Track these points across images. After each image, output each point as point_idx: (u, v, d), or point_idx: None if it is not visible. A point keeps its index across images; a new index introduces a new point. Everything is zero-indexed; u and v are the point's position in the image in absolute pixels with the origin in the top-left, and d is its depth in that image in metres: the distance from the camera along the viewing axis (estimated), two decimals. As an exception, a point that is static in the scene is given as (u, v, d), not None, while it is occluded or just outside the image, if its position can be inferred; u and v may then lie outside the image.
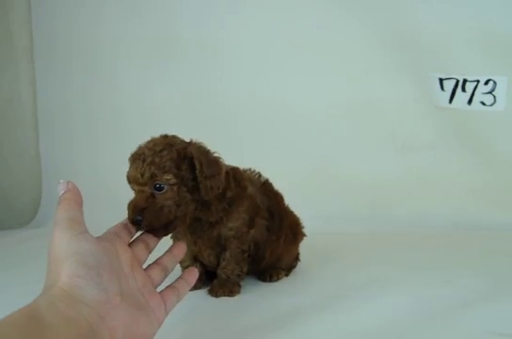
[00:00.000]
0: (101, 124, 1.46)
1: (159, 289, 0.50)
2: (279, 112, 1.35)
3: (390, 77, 1.29)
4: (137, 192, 0.57)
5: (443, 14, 1.22)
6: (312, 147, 1.33)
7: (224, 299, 0.70)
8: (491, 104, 1.24)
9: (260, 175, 0.78)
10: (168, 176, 0.57)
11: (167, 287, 0.51)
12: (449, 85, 1.26)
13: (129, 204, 0.56)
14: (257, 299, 0.70)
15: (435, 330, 0.57)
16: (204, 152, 0.62)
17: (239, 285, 0.73)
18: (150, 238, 0.54)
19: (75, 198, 0.46)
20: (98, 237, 0.47)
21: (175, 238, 0.69)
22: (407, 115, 1.30)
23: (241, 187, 0.69)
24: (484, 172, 1.25)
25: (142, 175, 0.56)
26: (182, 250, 0.55)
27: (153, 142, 0.60)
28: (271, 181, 0.80)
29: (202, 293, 0.73)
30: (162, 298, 0.49)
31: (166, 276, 0.52)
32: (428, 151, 1.29)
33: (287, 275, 0.82)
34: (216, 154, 0.64)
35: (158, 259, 0.53)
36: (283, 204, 0.81)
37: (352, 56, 1.31)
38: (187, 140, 0.64)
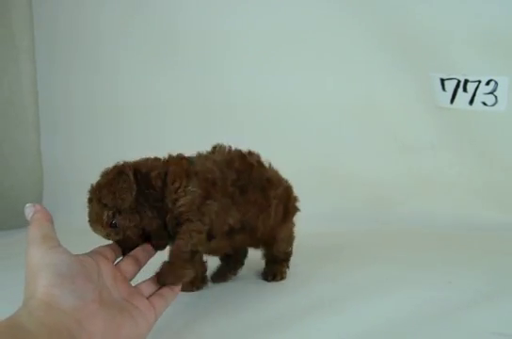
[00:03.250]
0: (102, 124, 1.46)
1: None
2: (280, 111, 1.35)
3: (391, 77, 1.29)
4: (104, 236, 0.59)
5: (444, 14, 1.22)
6: (313, 147, 1.33)
7: (222, 298, 0.70)
8: (493, 105, 1.23)
9: (230, 149, 0.71)
10: (109, 212, 0.57)
11: (154, 294, 0.54)
12: (450, 85, 1.26)
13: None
14: (256, 299, 0.70)
15: (435, 331, 0.57)
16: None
17: (192, 267, 0.58)
18: (139, 254, 0.58)
19: (45, 217, 0.49)
20: (78, 254, 0.49)
21: None
22: (407, 115, 1.30)
23: (179, 169, 0.62)
24: (485, 172, 1.25)
25: (96, 220, 0.58)
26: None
27: (104, 179, 0.60)
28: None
29: (200, 292, 0.73)
30: (151, 303, 0.52)
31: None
32: (429, 151, 1.29)
33: (288, 267, 0.80)
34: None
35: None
36: (264, 174, 0.73)
37: (353, 56, 1.31)
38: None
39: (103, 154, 1.46)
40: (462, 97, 1.25)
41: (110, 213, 0.57)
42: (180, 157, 0.66)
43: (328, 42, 1.31)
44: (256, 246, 0.77)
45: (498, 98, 1.23)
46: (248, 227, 0.68)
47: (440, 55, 1.25)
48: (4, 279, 0.84)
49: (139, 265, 0.56)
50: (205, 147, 0.71)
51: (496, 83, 1.22)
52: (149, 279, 0.56)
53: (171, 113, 1.42)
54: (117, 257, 0.56)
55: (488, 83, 1.23)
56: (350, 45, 1.30)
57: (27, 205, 0.51)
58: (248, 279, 0.78)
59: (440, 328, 0.58)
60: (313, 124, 1.34)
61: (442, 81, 1.26)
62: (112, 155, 1.51)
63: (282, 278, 0.78)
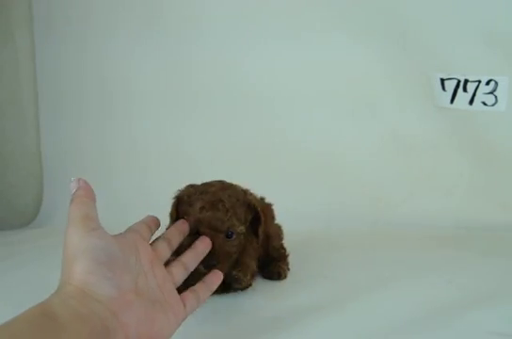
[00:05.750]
0: (102, 123, 1.46)
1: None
2: (280, 109, 1.35)
3: (390, 77, 1.29)
4: (211, 237, 0.59)
5: (444, 13, 1.22)
6: (312, 146, 1.32)
7: (221, 298, 0.70)
8: (493, 105, 1.23)
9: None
10: (242, 227, 0.64)
11: (187, 290, 0.51)
12: (450, 85, 1.25)
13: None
14: (256, 299, 0.70)
15: (435, 331, 0.57)
16: (264, 205, 0.73)
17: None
18: (172, 236, 0.54)
19: (88, 194, 0.46)
20: (117, 234, 0.47)
21: None
22: (407, 115, 1.30)
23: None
24: (485, 172, 1.25)
25: (222, 223, 0.61)
26: (207, 245, 0.56)
27: (228, 192, 0.64)
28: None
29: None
30: (181, 300, 0.49)
31: (187, 274, 0.52)
32: (429, 151, 1.29)
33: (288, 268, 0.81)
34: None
35: (181, 256, 0.53)
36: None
37: (352, 55, 1.30)
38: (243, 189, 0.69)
39: (103, 155, 1.46)
40: (462, 97, 1.25)
41: (240, 227, 0.64)
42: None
43: (326, 41, 1.31)
44: None
45: (498, 98, 1.23)
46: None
47: (440, 54, 1.25)
48: (4, 279, 0.84)
49: (171, 248, 0.53)
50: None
51: (496, 83, 1.22)
52: (178, 261, 0.52)
53: (172, 114, 1.41)
54: (151, 236, 0.52)
55: (487, 83, 1.23)
56: (350, 44, 1.30)
57: (72, 179, 0.46)
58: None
59: (439, 327, 0.58)
60: (313, 124, 1.33)
61: (442, 81, 1.26)
62: (112, 154, 1.51)
63: (285, 276, 0.78)
